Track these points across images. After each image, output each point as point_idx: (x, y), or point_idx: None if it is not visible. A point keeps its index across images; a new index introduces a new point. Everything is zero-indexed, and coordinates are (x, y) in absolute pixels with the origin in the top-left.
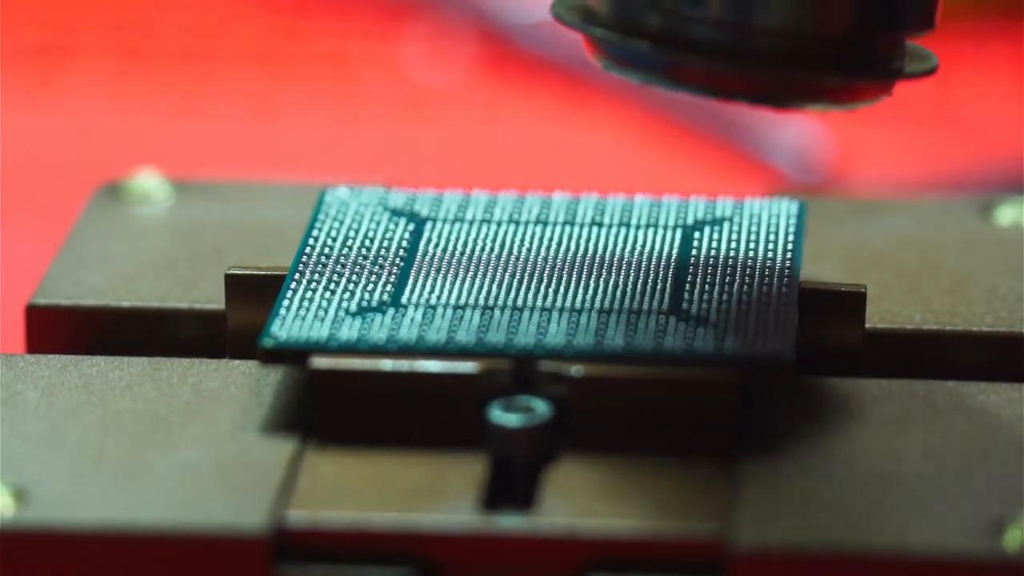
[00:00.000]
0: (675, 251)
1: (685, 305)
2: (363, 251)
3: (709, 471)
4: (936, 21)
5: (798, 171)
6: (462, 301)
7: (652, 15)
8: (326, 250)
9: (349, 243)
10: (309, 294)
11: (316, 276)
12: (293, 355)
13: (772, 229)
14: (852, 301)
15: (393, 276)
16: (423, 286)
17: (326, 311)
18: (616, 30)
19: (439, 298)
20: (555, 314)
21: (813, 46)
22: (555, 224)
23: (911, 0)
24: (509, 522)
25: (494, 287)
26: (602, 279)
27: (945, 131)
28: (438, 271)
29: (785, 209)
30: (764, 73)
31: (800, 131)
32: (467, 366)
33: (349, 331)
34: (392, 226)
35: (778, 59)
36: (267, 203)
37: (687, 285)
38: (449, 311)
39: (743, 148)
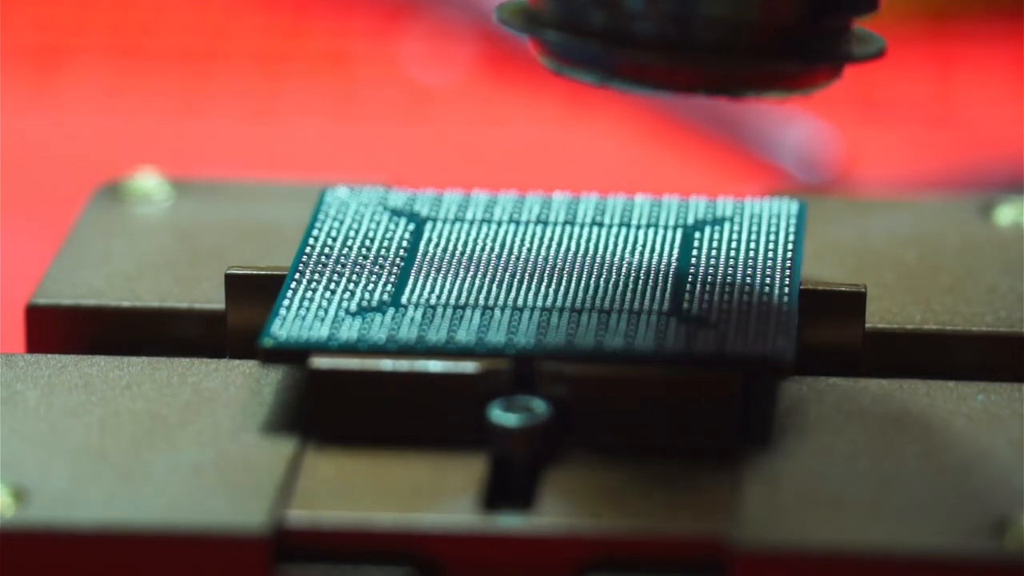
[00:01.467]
0: (675, 251)
1: (685, 305)
2: (363, 251)
3: (709, 471)
4: (879, 4)
5: (803, 171)
6: (462, 301)
7: (599, 14)
8: (326, 250)
9: (349, 243)
10: (309, 294)
11: (316, 276)
12: (293, 355)
13: (772, 229)
14: (852, 301)
15: (393, 276)
16: (423, 286)
17: (326, 311)
18: (564, 31)
19: (439, 298)
20: (555, 314)
21: (764, 34)
22: (555, 224)
23: None
24: (509, 522)
25: (494, 287)
26: (602, 279)
27: (945, 131)
28: (438, 271)
29: (785, 209)
30: (716, 66)
31: (805, 131)
32: (467, 366)
33: (349, 331)
34: (392, 226)
35: (730, 50)
36: (267, 203)
37: (687, 285)
38: (449, 311)
39: (747, 148)
